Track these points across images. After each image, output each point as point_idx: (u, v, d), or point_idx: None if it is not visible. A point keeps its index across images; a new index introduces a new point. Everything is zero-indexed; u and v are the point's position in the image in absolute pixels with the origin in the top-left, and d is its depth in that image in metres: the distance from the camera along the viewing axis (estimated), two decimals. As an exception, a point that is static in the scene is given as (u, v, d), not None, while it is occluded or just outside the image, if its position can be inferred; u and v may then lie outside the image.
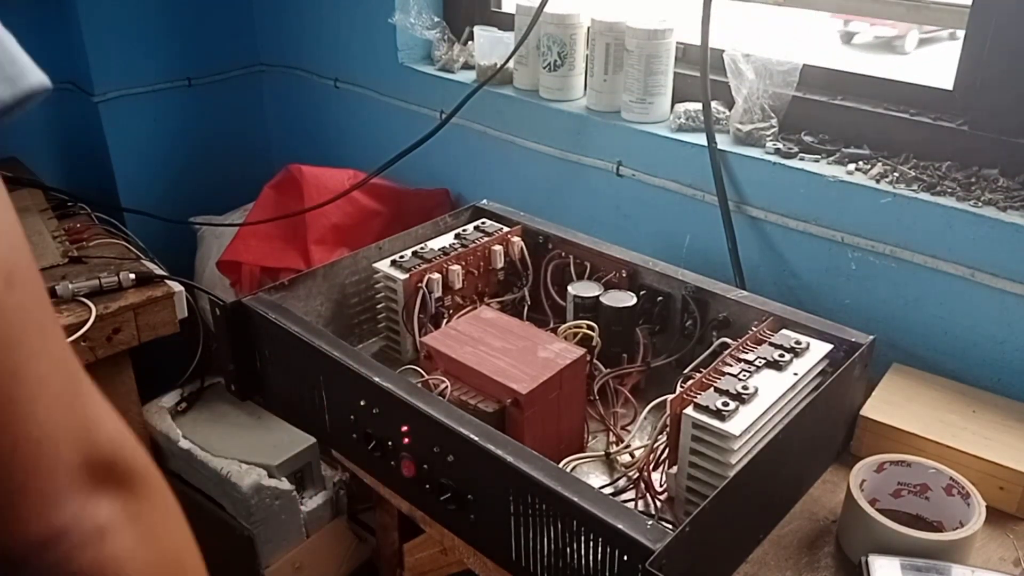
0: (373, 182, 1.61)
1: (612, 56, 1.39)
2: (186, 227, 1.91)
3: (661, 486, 0.90)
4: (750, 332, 0.97)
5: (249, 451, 1.54)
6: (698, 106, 1.33)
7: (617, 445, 0.99)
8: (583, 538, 0.73)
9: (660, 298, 1.11)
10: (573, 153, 1.48)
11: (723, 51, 1.26)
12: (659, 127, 1.37)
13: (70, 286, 1.31)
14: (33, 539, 0.38)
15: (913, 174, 1.14)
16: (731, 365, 0.91)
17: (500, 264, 1.20)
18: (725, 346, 0.96)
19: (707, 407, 0.83)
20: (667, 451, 0.88)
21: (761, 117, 1.27)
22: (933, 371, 1.08)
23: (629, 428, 1.01)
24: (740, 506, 0.79)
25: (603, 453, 0.98)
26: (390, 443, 0.90)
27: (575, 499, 0.73)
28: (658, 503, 0.89)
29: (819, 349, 0.95)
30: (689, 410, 0.84)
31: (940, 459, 0.89)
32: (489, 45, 1.58)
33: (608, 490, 0.92)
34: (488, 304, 1.17)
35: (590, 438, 1.01)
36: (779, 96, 1.26)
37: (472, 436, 0.80)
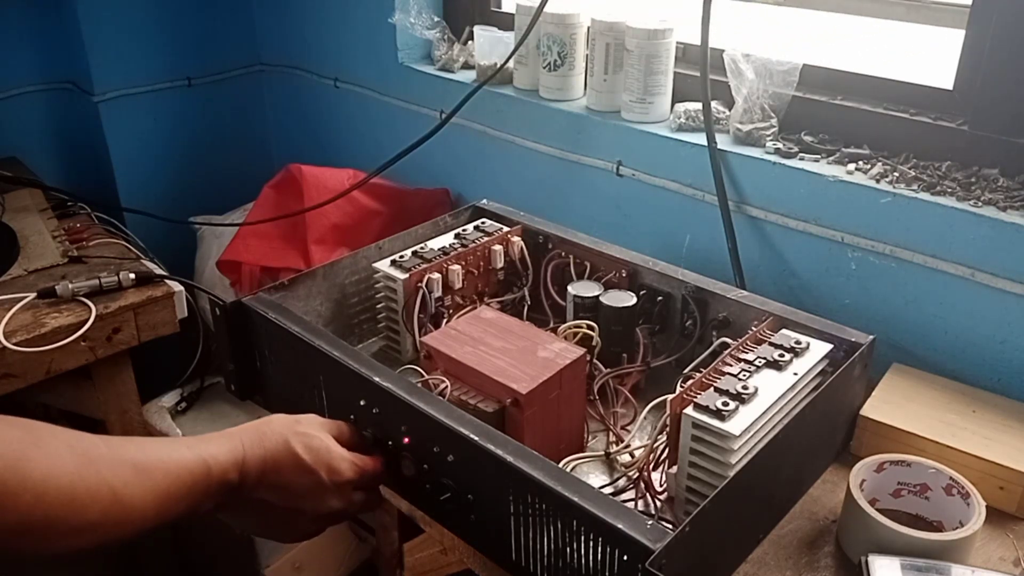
0: (373, 182, 1.61)
1: (612, 56, 1.39)
2: (186, 227, 1.91)
3: (661, 486, 0.90)
4: (750, 332, 0.97)
5: (249, 451, 1.53)
6: (698, 106, 1.33)
7: (617, 445, 0.99)
8: (583, 538, 0.73)
9: (660, 298, 1.11)
10: (573, 153, 1.48)
11: (723, 51, 1.26)
12: (659, 127, 1.37)
13: (70, 286, 1.31)
14: None
15: (913, 174, 1.14)
16: (731, 365, 0.91)
17: (500, 264, 1.20)
18: (725, 346, 0.96)
19: (707, 407, 0.83)
20: (667, 451, 0.88)
21: (761, 117, 1.27)
22: (933, 371, 1.08)
23: (629, 428, 1.01)
24: (740, 506, 0.79)
25: (603, 453, 0.98)
26: (390, 443, 0.90)
27: (575, 499, 0.72)
28: (658, 503, 0.89)
29: (819, 349, 0.95)
30: (689, 410, 0.84)
31: (940, 459, 0.89)
32: (489, 45, 1.58)
33: (608, 490, 0.92)
34: (488, 304, 1.17)
35: (590, 438, 1.01)
36: (779, 96, 1.26)
37: (472, 436, 0.80)
